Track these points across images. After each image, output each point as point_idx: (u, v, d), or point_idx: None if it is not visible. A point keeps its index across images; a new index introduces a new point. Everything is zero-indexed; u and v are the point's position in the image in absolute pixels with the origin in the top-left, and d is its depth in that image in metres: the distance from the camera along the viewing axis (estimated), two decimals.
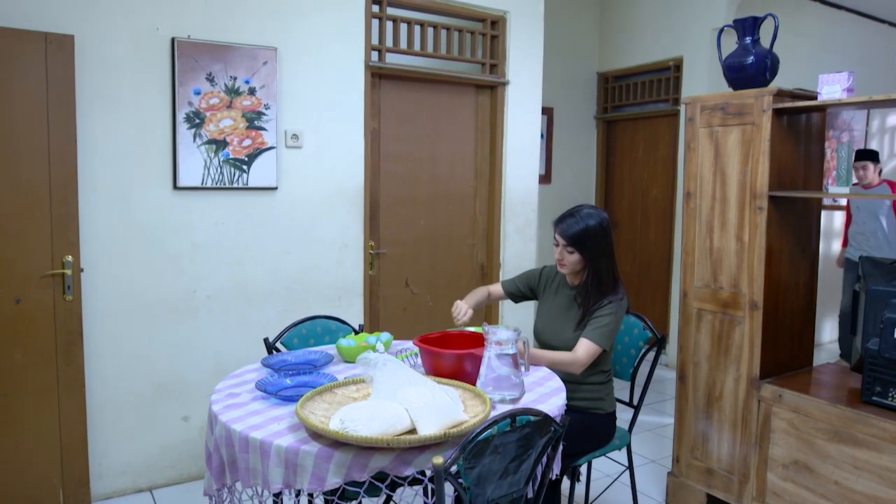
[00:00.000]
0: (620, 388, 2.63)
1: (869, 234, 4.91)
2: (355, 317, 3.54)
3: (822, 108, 2.56)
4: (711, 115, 2.74)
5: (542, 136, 5.27)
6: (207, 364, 3.20)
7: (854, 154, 4.76)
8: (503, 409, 1.80)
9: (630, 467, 2.62)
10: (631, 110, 5.63)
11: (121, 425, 3.03)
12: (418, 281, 3.93)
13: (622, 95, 5.68)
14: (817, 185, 2.82)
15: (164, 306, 3.08)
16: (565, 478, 2.54)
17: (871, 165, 4.76)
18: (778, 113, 2.56)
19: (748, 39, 2.70)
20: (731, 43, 2.89)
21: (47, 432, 2.80)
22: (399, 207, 3.82)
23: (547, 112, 5.46)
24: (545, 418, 1.58)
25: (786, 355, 2.74)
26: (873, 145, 6.33)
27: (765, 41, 2.77)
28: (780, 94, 2.53)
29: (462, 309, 2.51)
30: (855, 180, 4.73)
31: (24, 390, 2.75)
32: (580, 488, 2.78)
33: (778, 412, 2.54)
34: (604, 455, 2.49)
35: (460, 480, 1.50)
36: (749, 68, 2.67)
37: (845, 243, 5.25)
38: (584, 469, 2.71)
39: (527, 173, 4.15)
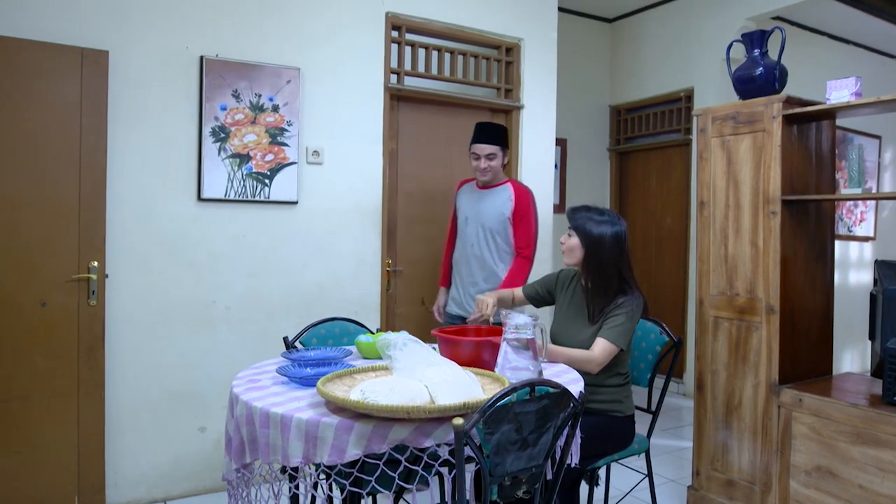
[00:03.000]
0: (637, 396, 2.61)
1: (475, 266, 3.26)
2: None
3: (831, 114, 2.61)
4: (723, 125, 2.80)
5: (556, 166, 5.37)
6: (224, 375, 3.21)
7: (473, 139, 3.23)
8: None
9: (649, 474, 2.59)
10: (643, 141, 5.72)
11: (137, 434, 3.04)
12: (434, 299, 3.94)
13: (634, 127, 5.78)
14: (830, 192, 2.85)
15: (184, 316, 3.13)
16: (583, 482, 2.52)
17: (500, 153, 3.19)
18: (788, 120, 2.62)
19: (757, 52, 2.78)
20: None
21: (65, 437, 2.82)
22: (415, 226, 3.88)
23: (560, 143, 5.56)
24: (563, 391, 1.59)
25: (805, 362, 2.73)
26: (886, 178, 6.36)
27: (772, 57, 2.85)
28: (790, 101, 2.60)
29: (487, 302, 2.52)
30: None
31: (45, 394, 2.78)
32: (598, 495, 2.73)
33: (798, 417, 2.52)
34: (622, 459, 2.46)
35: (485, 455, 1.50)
36: (758, 79, 2.74)
37: (446, 280, 3.48)
38: (602, 473, 2.67)
39: (540, 195, 4.19)
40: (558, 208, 5.48)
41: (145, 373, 3.06)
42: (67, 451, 2.82)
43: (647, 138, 5.69)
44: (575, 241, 2.40)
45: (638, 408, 2.60)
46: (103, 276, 2.88)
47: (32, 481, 2.75)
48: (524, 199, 3.23)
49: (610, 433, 2.40)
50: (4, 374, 2.70)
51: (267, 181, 3.26)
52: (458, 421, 1.40)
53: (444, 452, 1.62)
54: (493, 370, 1.96)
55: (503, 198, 3.23)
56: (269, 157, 3.26)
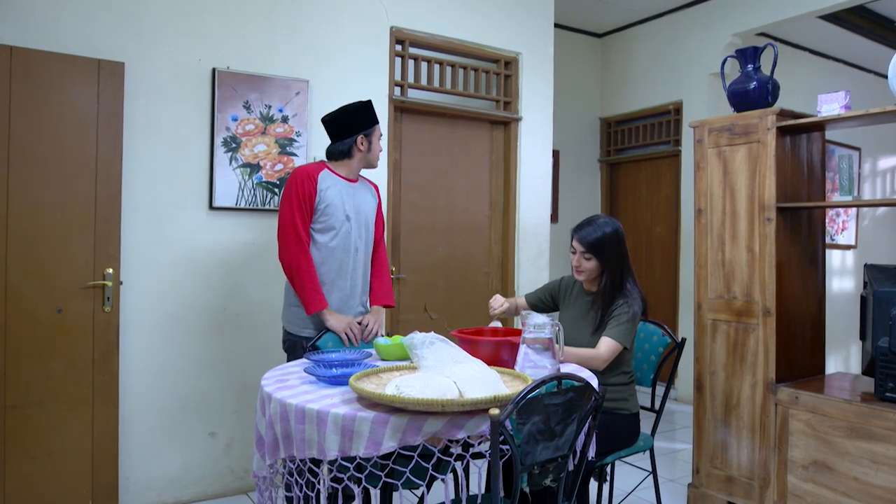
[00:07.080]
0: (640, 396, 2.72)
1: (360, 276, 2.81)
2: None
3: (821, 126, 2.76)
4: (719, 136, 2.94)
5: None
6: (235, 381, 3.27)
7: None
8: None
9: (654, 471, 2.69)
10: (633, 153, 5.88)
11: (148, 439, 3.08)
12: (436, 306, 4.04)
13: (624, 139, 5.93)
14: (821, 200, 2.99)
15: (195, 322, 3.18)
16: (592, 479, 2.61)
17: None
18: (781, 132, 2.75)
19: (750, 67, 2.92)
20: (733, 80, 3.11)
21: (80, 442, 2.85)
22: (418, 235, 3.98)
23: (553, 155, 5.68)
24: (587, 385, 1.69)
25: (799, 362, 2.85)
26: (866, 188, 6.57)
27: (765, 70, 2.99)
28: (783, 114, 2.74)
29: (499, 300, 2.67)
30: None
31: (60, 399, 2.81)
32: (606, 491, 2.82)
33: (795, 414, 2.64)
34: (628, 456, 2.55)
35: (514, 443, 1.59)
36: (752, 93, 2.88)
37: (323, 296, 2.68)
38: (607, 471, 2.77)
39: (539, 205, 4.34)
40: (551, 218, 5.59)
41: (157, 378, 3.10)
42: (82, 456, 2.86)
43: (637, 150, 5.84)
44: (593, 263, 2.50)
45: (641, 407, 2.70)
46: (118, 282, 2.93)
47: (47, 486, 2.78)
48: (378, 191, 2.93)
49: (616, 431, 2.49)
50: (21, 380, 2.73)
51: (276, 190, 3.34)
52: (495, 411, 1.49)
53: (457, 449, 1.70)
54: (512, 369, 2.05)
55: (371, 191, 2.86)
56: (279, 166, 3.34)
